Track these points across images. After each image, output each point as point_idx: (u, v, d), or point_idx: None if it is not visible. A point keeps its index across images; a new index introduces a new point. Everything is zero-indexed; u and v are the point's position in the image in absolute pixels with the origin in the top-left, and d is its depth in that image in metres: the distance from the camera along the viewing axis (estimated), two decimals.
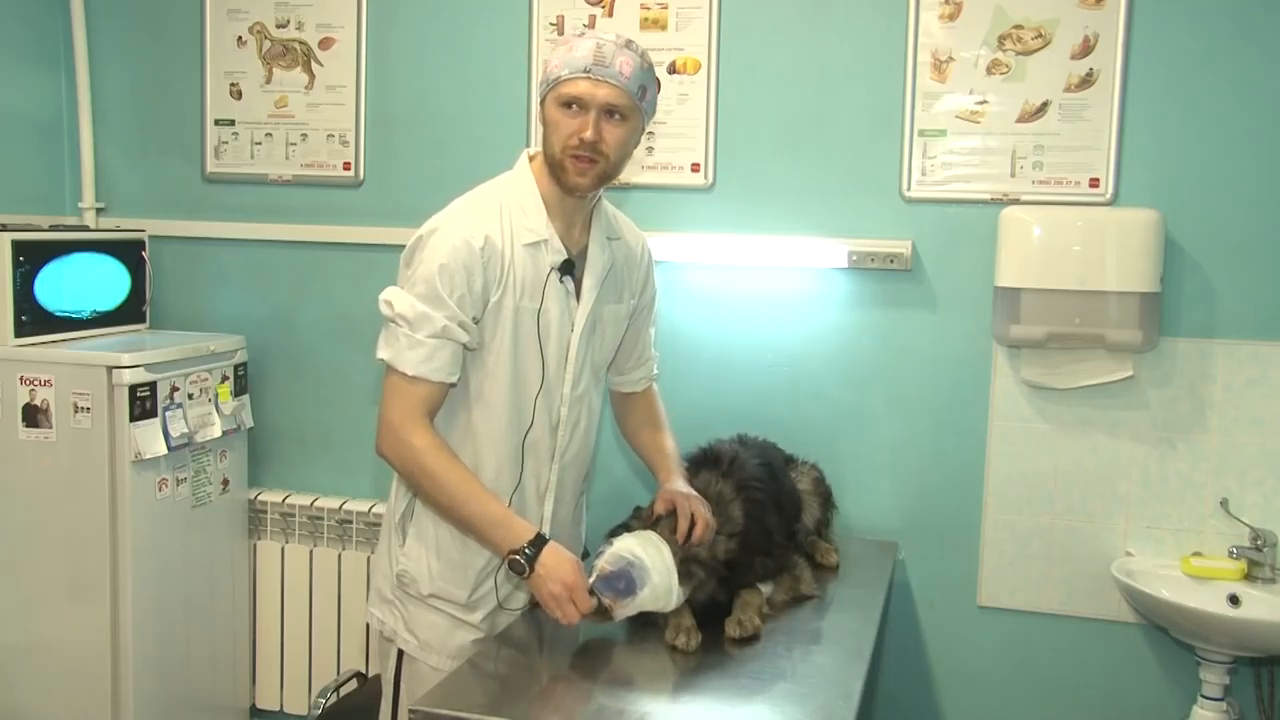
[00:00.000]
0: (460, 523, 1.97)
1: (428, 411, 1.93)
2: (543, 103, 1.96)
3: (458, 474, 1.91)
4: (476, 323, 1.95)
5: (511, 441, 2.03)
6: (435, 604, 2.05)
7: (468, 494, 1.90)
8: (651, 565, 1.91)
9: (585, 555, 2.35)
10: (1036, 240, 2.49)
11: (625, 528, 2.05)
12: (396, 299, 1.92)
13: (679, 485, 2.11)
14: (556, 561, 1.87)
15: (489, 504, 1.91)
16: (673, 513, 2.02)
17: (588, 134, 1.90)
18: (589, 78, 1.89)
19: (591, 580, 1.89)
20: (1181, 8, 2.49)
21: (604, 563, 1.90)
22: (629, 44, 1.94)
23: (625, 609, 1.90)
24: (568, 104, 1.91)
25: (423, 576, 2.05)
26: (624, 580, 1.89)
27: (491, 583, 2.07)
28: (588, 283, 2.05)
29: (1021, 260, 2.51)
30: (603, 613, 1.88)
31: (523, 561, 1.86)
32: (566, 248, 2.01)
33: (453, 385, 1.96)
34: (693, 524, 2.00)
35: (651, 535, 1.96)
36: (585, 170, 1.93)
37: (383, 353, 1.93)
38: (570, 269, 2.02)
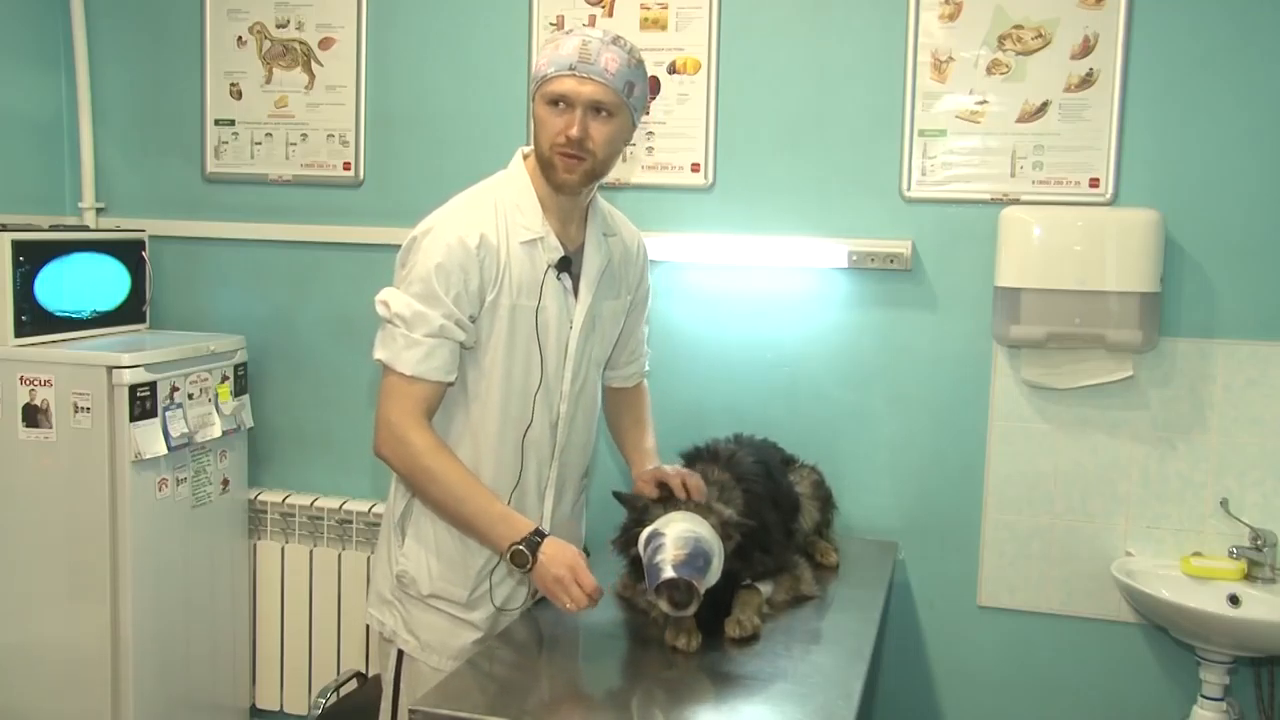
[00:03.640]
0: (460, 522, 1.97)
1: (426, 411, 1.93)
2: (533, 101, 1.96)
3: (457, 473, 1.91)
4: (473, 321, 1.95)
5: (511, 439, 2.03)
6: (435, 604, 2.05)
7: (467, 493, 1.90)
8: (710, 535, 1.90)
9: (586, 554, 2.35)
10: (1036, 240, 2.49)
11: (638, 523, 2.00)
12: (393, 299, 1.92)
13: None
14: (558, 549, 1.87)
15: (489, 502, 1.91)
16: (664, 490, 2.02)
17: (574, 131, 1.90)
18: (574, 75, 1.89)
19: (671, 571, 1.83)
20: (1181, 8, 2.49)
21: (674, 550, 1.86)
22: (616, 40, 1.94)
23: (704, 586, 1.86)
24: (554, 102, 1.91)
25: (422, 577, 2.05)
26: (701, 558, 1.86)
27: (488, 583, 2.07)
28: (585, 279, 2.05)
29: (1021, 260, 2.51)
30: (683, 603, 1.84)
31: (525, 551, 1.86)
32: (563, 245, 2.01)
33: (450, 384, 1.96)
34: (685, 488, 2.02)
35: (681, 513, 1.95)
36: (573, 167, 1.94)
37: (380, 353, 1.93)
38: (568, 266, 2.02)
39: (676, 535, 1.88)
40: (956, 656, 2.75)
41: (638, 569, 1.98)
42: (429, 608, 2.06)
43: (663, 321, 2.81)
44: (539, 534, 1.89)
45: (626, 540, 2.01)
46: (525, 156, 2.05)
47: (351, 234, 3.03)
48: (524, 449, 2.04)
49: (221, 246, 3.17)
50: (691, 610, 1.87)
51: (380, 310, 1.94)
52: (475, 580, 2.06)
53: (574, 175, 1.94)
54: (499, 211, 1.97)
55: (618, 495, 2.10)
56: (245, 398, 3.02)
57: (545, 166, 1.96)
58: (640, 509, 2.05)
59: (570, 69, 1.89)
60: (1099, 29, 2.53)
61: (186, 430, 2.78)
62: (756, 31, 2.74)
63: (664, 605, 1.87)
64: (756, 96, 2.75)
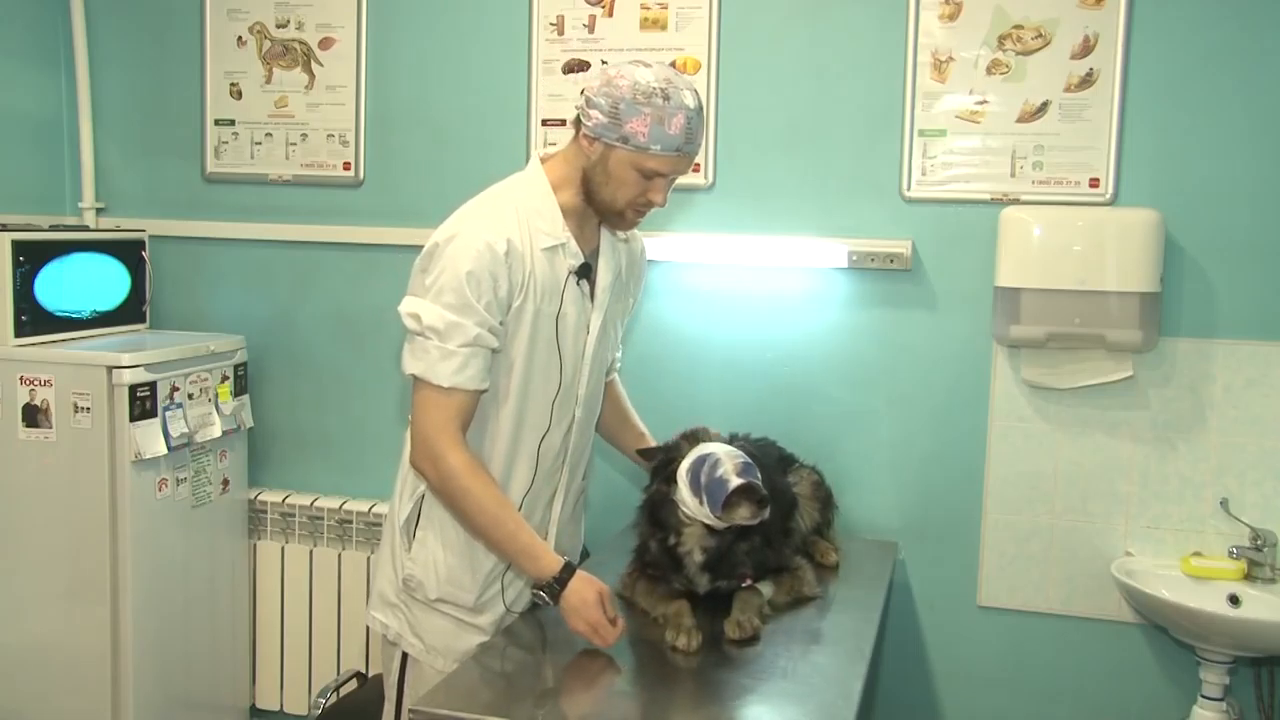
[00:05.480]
0: (488, 545, 1.99)
1: (462, 423, 1.91)
2: (608, 148, 1.90)
3: (490, 497, 1.90)
4: (501, 325, 1.93)
5: (527, 446, 2.03)
6: (442, 608, 2.05)
7: (496, 518, 1.90)
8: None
9: (585, 555, 2.35)
10: (1036, 240, 2.49)
11: (670, 461, 2.04)
12: (424, 311, 1.88)
13: None
14: (580, 599, 1.86)
15: (518, 532, 1.91)
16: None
17: (661, 200, 1.95)
18: (679, 155, 1.90)
19: (738, 479, 1.90)
20: (1182, 7, 2.49)
21: (730, 461, 1.93)
22: (700, 104, 1.92)
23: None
24: (648, 174, 1.91)
25: (430, 581, 2.04)
26: (754, 471, 1.94)
27: (499, 585, 2.07)
28: (601, 285, 2.05)
29: (1021, 260, 2.51)
30: (765, 500, 1.91)
31: (547, 598, 1.88)
32: (581, 250, 2.01)
33: (484, 391, 1.94)
34: None
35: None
36: (640, 219, 2.01)
37: (413, 368, 1.89)
38: (587, 272, 2.02)
39: (727, 451, 1.96)
40: (956, 656, 2.75)
41: (657, 518, 2.02)
42: (435, 611, 2.05)
43: (663, 321, 2.82)
44: (560, 578, 1.88)
45: (667, 476, 2.02)
46: (543, 160, 2.03)
47: (351, 234, 3.03)
48: (539, 455, 2.04)
49: (221, 246, 3.16)
50: (767, 513, 1.93)
51: (410, 324, 1.90)
52: (483, 584, 2.05)
53: (638, 224, 2.03)
54: (520, 217, 1.95)
55: (642, 451, 2.17)
56: (245, 398, 3.02)
57: (610, 214, 1.98)
58: (668, 449, 2.09)
59: (677, 151, 1.89)
60: (1099, 29, 2.53)
61: (186, 430, 2.78)
62: (756, 31, 2.74)
63: (743, 512, 1.93)
64: (756, 96, 2.75)
